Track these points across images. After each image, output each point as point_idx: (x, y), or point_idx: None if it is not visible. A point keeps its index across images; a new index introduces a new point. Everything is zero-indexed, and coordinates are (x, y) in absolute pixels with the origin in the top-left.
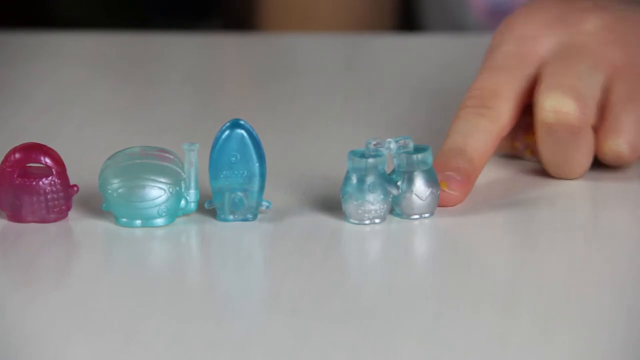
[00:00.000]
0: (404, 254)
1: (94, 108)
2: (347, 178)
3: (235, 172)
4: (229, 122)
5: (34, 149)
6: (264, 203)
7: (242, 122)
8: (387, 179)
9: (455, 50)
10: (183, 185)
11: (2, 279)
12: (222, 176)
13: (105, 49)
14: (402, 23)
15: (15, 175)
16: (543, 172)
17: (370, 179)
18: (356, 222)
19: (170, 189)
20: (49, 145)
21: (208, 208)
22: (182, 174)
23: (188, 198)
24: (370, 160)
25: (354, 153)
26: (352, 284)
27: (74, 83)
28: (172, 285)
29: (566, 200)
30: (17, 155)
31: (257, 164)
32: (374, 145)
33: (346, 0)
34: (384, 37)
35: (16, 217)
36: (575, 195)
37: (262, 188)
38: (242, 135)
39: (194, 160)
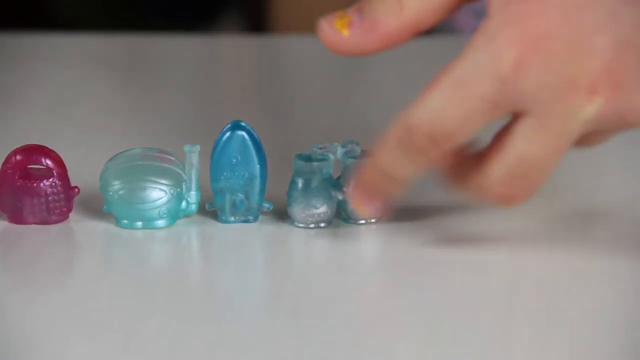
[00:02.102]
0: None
1: (95, 109)
2: (292, 182)
3: (236, 173)
4: (230, 123)
5: (35, 151)
6: (265, 204)
7: (243, 123)
8: (333, 184)
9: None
10: (184, 186)
11: (3, 280)
12: (223, 178)
13: (106, 50)
14: None
15: (16, 177)
16: None
17: (315, 183)
18: (302, 225)
19: (171, 191)
20: (50, 146)
21: (209, 209)
22: (183, 175)
23: (189, 199)
24: (315, 164)
25: (299, 157)
26: (352, 285)
27: (74, 84)
28: (172, 286)
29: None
30: (18, 157)
31: (258, 166)
32: (321, 149)
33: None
34: None
35: (17, 218)
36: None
37: (262, 190)
38: (243, 136)
39: (194, 161)
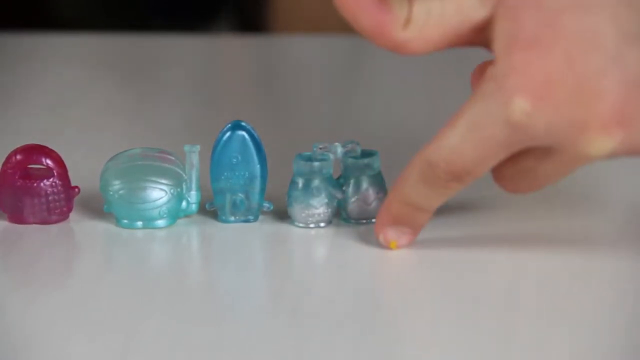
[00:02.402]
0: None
1: (95, 109)
2: (292, 182)
3: (237, 173)
4: (230, 123)
5: (35, 151)
6: (265, 204)
7: (243, 123)
8: (333, 183)
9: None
10: (184, 186)
11: (3, 280)
12: (223, 177)
13: (106, 50)
14: None
15: (17, 177)
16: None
17: (315, 183)
18: (302, 225)
19: (172, 191)
20: (50, 146)
21: (209, 209)
22: (183, 175)
23: (189, 199)
24: (316, 164)
25: (300, 157)
26: (352, 285)
27: (75, 84)
28: (172, 286)
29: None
30: (19, 157)
31: (258, 166)
32: (321, 149)
33: None
34: None
35: (17, 218)
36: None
37: (263, 189)
38: (244, 136)
39: (195, 161)
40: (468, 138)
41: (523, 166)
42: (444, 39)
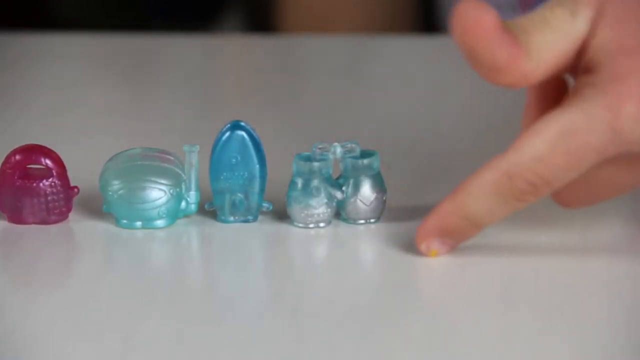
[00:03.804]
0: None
1: (95, 109)
2: (292, 182)
3: (236, 173)
4: (229, 123)
5: (34, 151)
6: (265, 204)
7: (242, 123)
8: (332, 183)
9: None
10: (183, 186)
11: (3, 280)
12: (222, 178)
13: (106, 50)
14: (422, 24)
15: (16, 177)
16: None
17: (314, 183)
18: (301, 225)
19: (171, 191)
20: (50, 146)
21: (208, 209)
22: (183, 175)
23: (188, 199)
24: (315, 164)
25: (299, 157)
26: (352, 285)
27: (74, 84)
28: (172, 286)
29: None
30: (18, 157)
31: (257, 166)
32: (320, 149)
33: (363, 1)
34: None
35: (17, 218)
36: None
37: (262, 189)
38: (243, 136)
39: (194, 161)
40: (559, 145)
41: (597, 176)
42: (556, 64)
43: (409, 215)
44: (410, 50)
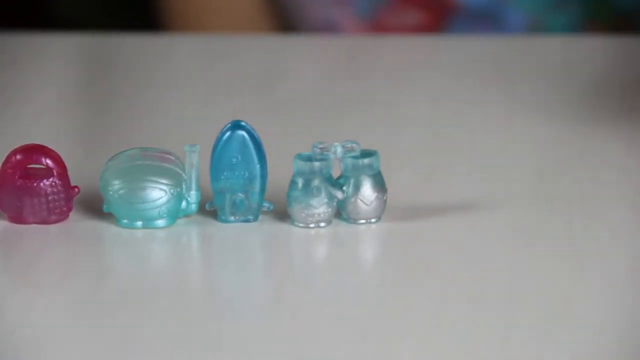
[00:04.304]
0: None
1: (95, 109)
2: (292, 182)
3: (236, 173)
4: (230, 123)
5: (35, 150)
6: (265, 204)
7: (243, 123)
8: (333, 183)
9: (458, 52)
10: (184, 186)
11: (3, 280)
12: (223, 177)
13: (105, 50)
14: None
15: (17, 177)
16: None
17: (315, 183)
18: (302, 225)
19: (171, 190)
20: (50, 146)
21: (209, 209)
22: (183, 175)
23: (189, 199)
24: (316, 164)
25: (300, 157)
26: (352, 285)
27: (74, 84)
28: (172, 286)
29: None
30: (18, 157)
31: (258, 165)
32: (320, 149)
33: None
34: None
35: (17, 218)
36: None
37: (263, 189)
38: (243, 136)
39: (194, 161)
40: None
41: None
42: None
43: (409, 215)
44: (410, 51)
